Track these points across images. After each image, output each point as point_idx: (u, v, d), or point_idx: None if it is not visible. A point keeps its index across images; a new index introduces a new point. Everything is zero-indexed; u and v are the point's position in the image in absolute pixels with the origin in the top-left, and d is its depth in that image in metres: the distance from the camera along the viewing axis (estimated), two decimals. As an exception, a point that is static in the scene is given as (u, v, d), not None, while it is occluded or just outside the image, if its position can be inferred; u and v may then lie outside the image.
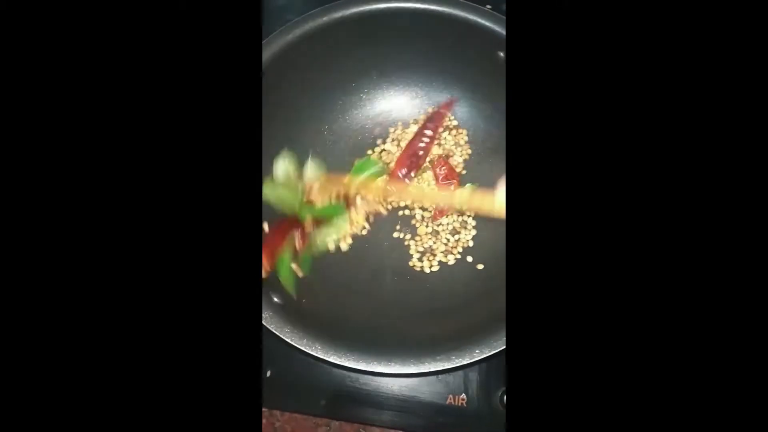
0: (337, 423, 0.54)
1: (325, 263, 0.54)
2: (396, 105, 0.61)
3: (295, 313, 0.45)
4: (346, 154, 0.59)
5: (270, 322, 0.43)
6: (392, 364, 0.42)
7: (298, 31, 0.53)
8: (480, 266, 0.54)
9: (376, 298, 0.53)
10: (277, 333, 0.43)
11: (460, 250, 0.56)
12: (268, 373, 0.53)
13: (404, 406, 0.53)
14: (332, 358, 0.42)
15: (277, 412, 0.55)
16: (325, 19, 0.53)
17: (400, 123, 0.61)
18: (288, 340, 0.43)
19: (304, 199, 0.52)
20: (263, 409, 0.53)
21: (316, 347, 0.43)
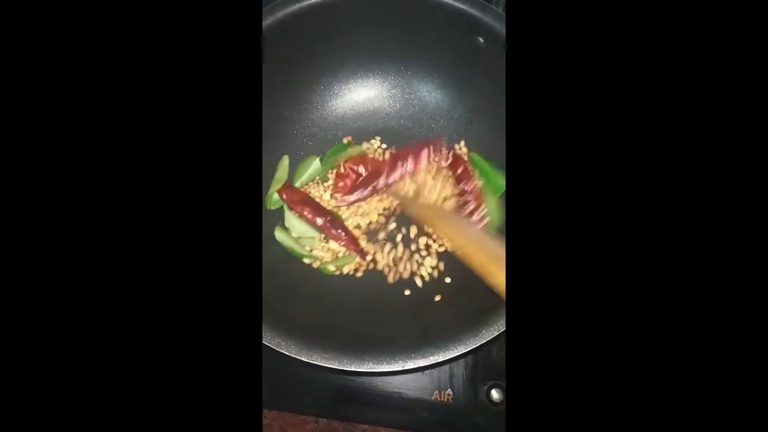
0: (324, 419, 0.53)
1: (298, 264, 0.53)
2: (377, 93, 0.59)
3: (270, 313, 0.44)
4: (325, 146, 0.58)
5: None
6: (366, 362, 0.41)
7: (272, 18, 0.51)
8: (448, 279, 0.52)
9: (351, 298, 0.52)
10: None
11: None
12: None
13: (389, 402, 0.52)
14: (305, 358, 0.41)
15: (265, 410, 0.54)
16: (299, 5, 0.51)
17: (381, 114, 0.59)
18: (264, 342, 0.42)
19: None
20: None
21: (288, 347, 0.42)
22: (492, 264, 0.38)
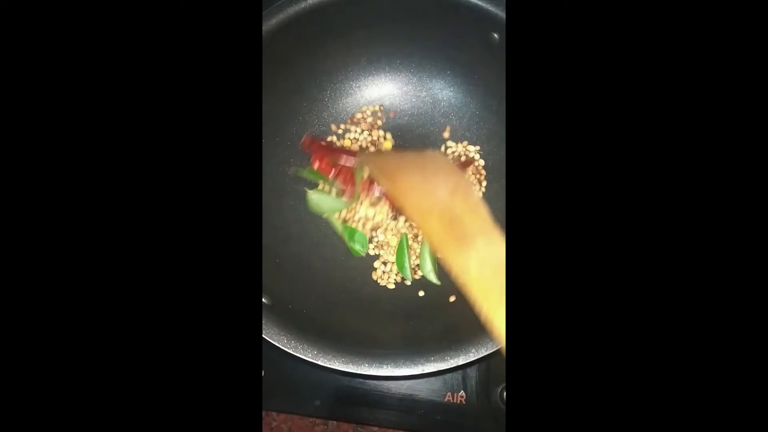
0: (334, 422, 0.53)
1: (313, 265, 0.52)
2: (388, 91, 0.58)
3: (285, 315, 0.43)
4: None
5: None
6: (385, 366, 0.40)
7: (282, 15, 0.50)
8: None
9: (366, 300, 0.51)
10: (266, 337, 0.41)
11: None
12: (262, 374, 0.52)
13: (401, 404, 0.51)
14: (321, 362, 0.40)
15: (273, 413, 0.53)
16: (311, 1, 0.50)
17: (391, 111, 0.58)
18: (276, 344, 0.41)
19: None
20: (258, 410, 0.52)
21: (305, 350, 0.41)
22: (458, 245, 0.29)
